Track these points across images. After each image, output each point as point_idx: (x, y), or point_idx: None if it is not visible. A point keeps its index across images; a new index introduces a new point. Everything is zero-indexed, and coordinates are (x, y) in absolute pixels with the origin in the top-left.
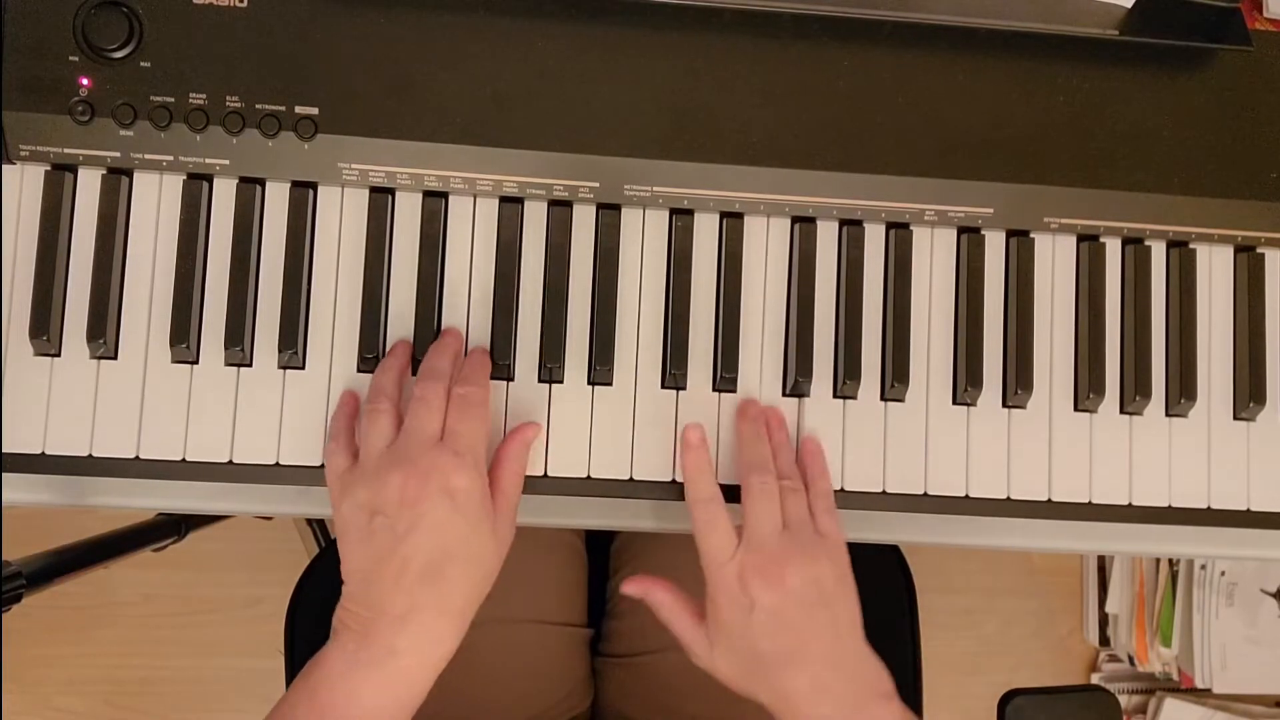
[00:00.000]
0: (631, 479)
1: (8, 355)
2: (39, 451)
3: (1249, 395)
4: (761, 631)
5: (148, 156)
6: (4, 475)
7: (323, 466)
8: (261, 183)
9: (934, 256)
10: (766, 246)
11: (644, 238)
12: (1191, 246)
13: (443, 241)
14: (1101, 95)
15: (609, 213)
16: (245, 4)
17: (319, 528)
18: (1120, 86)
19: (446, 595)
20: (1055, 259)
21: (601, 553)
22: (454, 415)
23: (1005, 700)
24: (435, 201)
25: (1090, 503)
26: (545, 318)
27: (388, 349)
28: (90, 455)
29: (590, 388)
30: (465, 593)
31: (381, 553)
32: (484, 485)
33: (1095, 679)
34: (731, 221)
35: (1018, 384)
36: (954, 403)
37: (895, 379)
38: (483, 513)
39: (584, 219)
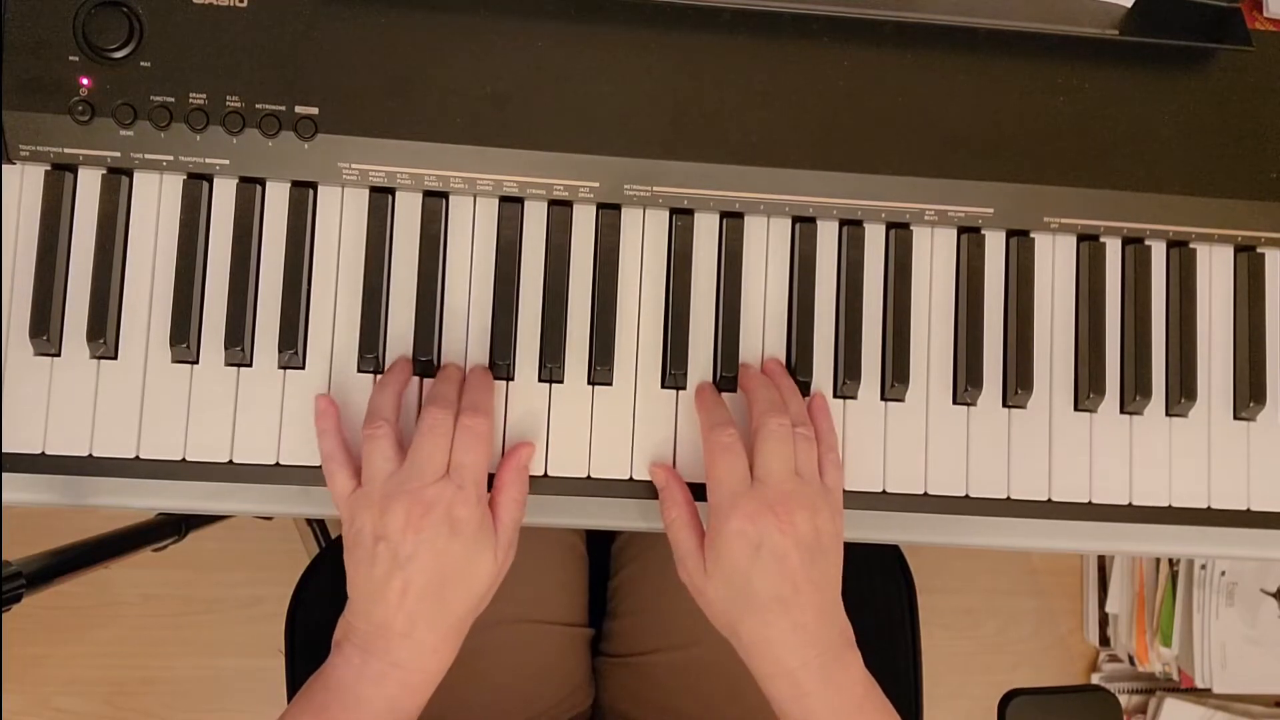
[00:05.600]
0: (631, 479)
1: (8, 355)
2: (39, 451)
3: (1249, 395)
4: (762, 572)
5: (148, 156)
6: (4, 475)
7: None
8: (261, 183)
9: (934, 256)
10: (766, 246)
11: (644, 238)
12: (1191, 246)
13: (443, 241)
14: (1101, 95)
15: (609, 213)
16: (245, 4)
17: (319, 528)
18: (1120, 86)
19: (445, 614)
20: (1055, 259)
21: (601, 553)
22: (460, 448)
23: (1005, 700)
24: (435, 201)
25: (1090, 503)
26: (545, 318)
27: (387, 366)
28: (90, 455)
29: (590, 388)
30: (462, 611)
31: (385, 575)
32: (484, 511)
33: (1095, 679)
34: (731, 221)
35: (1018, 384)
36: (954, 403)
37: (895, 379)
38: (482, 537)
39: (584, 219)
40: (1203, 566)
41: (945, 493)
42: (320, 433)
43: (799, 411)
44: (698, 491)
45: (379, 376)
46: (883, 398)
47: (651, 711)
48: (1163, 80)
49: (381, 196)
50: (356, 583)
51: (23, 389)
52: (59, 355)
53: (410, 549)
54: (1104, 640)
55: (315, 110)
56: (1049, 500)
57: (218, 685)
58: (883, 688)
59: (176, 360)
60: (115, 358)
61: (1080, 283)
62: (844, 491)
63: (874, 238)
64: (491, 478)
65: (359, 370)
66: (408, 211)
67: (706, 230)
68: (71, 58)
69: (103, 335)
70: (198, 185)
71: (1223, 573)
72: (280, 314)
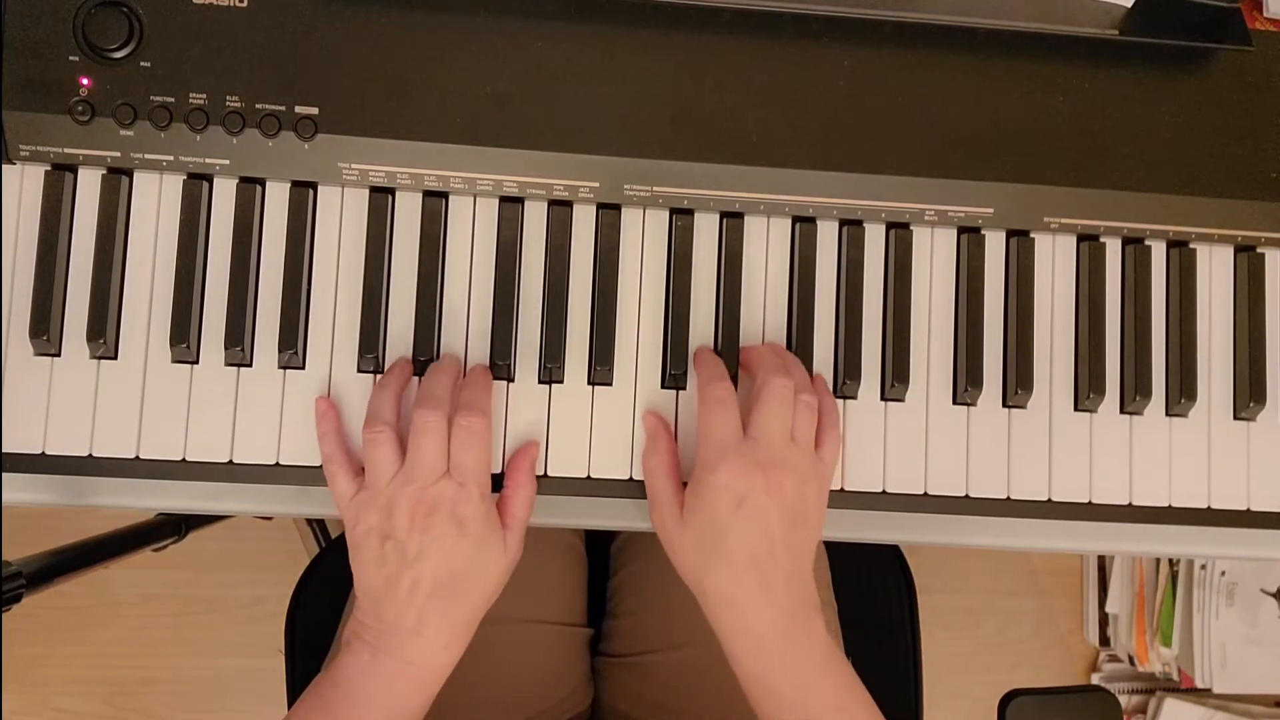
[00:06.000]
0: (631, 479)
1: (8, 355)
2: (39, 451)
3: (1249, 395)
4: (740, 528)
5: (148, 156)
6: (4, 475)
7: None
8: (261, 183)
9: (934, 256)
10: (766, 246)
11: (644, 238)
12: (1191, 246)
13: (443, 241)
14: (1101, 95)
15: (609, 213)
16: (245, 4)
17: (319, 528)
18: (1120, 86)
19: (454, 610)
20: (1055, 259)
21: (601, 553)
22: (457, 447)
23: (1005, 700)
24: (435, 201)
25: (1090, 503)
26: (545, 318)
27: (387, 367)
28: (90, 455)
29: (590, 388)
30: (471, 607)
31: (393, 574)
32: (489, 507)
33: (1095, 679)
34: (731, 221)
35: (1018, 384)
36: (954, 403)
37: (895, 379)
38: (489, 533)
39: (584, 219)
40: (1203, 566)
41: (945, 493)
42: (321, 435)
43: (803, 380)
44: None
45: (379, 378)
46: (883, 398)
47: (651, 711)
48: (1163, 80)
49: (381, 196)
50: (364, 583)
51: (23, 389)
52: (59, 355)
53: (418, 548)
54: (1104, 640)
55: (315, 110)
56: (1049, 500)
57: (218, 685)
58: (883, 688)
59: (176, 360)
60: (115, 358)
61: (1080, 283)
62: (844, 492)
63: (874, 238)
64: (496, 476)
65: (359, 370)
66: (408, 211)
67: (706, 230)
68: (71, 58)
69: (103, 335)
70: (198, 185)
71: (1223, 573)
72: (280, 314)
